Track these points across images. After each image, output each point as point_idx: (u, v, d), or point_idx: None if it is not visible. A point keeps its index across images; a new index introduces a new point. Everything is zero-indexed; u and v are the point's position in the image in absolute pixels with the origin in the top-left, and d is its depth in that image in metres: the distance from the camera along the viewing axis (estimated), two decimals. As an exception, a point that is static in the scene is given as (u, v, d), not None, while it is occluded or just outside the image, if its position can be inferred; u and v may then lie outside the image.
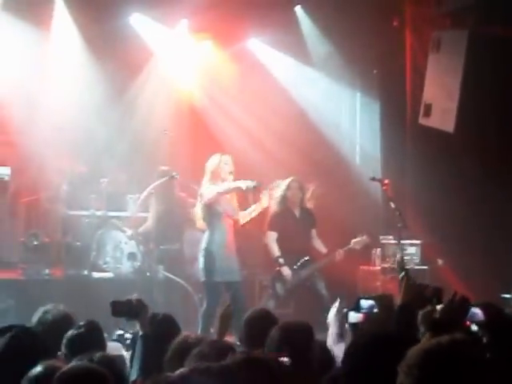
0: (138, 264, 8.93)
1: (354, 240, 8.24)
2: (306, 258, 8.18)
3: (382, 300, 3.80)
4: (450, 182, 9.15)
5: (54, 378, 2.66)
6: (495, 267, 8.37)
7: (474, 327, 3.56)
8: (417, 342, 2.73)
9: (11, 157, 9.89)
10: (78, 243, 9.18)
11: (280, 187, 8.23)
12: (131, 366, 3.59)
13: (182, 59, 10.65)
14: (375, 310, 3.76)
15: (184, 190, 9.32)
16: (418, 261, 9.03)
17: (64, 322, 3.99)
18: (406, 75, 10.22)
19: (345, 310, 3.97)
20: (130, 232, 8.97)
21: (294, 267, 8.12)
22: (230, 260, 7.46)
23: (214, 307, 7.17)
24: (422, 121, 9.79)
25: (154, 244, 9.07)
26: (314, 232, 8.35)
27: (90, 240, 9.04)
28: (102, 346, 3.69)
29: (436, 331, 3.10)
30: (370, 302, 3.80)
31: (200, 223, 7.64)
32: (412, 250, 9.07)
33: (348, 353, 2.66)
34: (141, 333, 3.70)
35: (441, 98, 9.61)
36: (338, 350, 3.78)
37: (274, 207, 8.19)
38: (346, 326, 3.97)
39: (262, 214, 7.90)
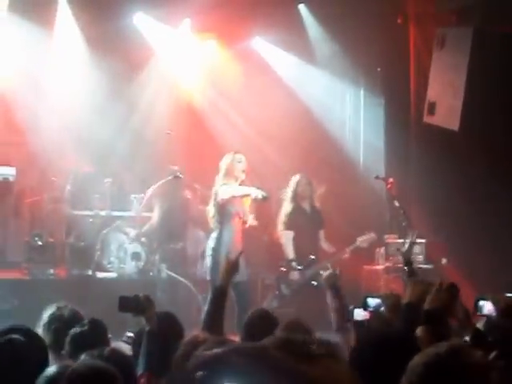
0: (142, 264, 8.93)
1: (360, 238, 8.24)
2: (312, 257, 8.18)
3: (389, 299, 3.79)
4: (454, 181, 9.12)
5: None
6: (500, 266, 8.35)
7: (479, 325, 3.55)
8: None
9: (16, 157, 9.91)
10: (82, 243, 9.17)
11: (290, 185, 8.31)
12: (137, 363, 3.59)
13: (185, 59, 10.65)
14: (382, 309, 3.76)
15: (189, 189, 9.33)
16: (422, 260, 9.00)
17: (77, 319, 3.99)
18: (410, 73, 10.19)
19: (351, 307, 3.98)
20: (133, 233, 8.97)
21: (299, 267, 8.13)
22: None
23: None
24: (427, 119, 9.76)
25: (158, 243, 9.08)
26: (322, 233, 8.42)
27: (94, 240, 9.04)
28: (105, 344, 3.69)
29: (429, 322, 3.09)
30: (377, 301, 3.80)
31: (212, 222, 7.67)
32: (416, 249, 9.04)
33: (354, 353, 2.65)
34: (147, 328, 3.70)
35: (445, 95, 9.57)
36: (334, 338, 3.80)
37: (286, 205, 8.27)
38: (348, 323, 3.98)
39: (264, 214, 7.93)
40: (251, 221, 7.67)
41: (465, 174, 9.12)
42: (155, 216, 9.27)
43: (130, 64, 10.00)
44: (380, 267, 9.16)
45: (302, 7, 10.40)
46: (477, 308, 3.71)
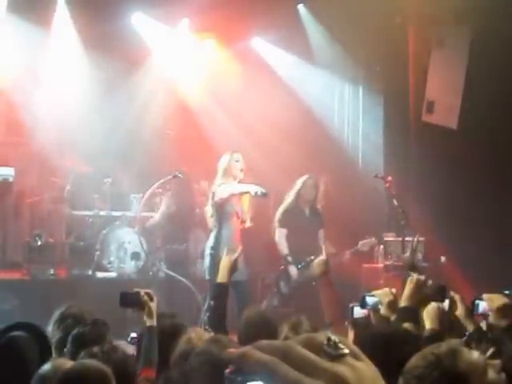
0: (142, 264, 8.95)
1: (361, 242, 8.25)
2: (312, 258, 8.18)
3: (385, 296, 3.81)
4: (453, 179, 9.13)
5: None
6: (498, 264, 8.36)
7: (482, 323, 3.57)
8: (419, 340, 2.73)
9: (15, 157, 9.92)
10: (82, 243, 9.19)
11: (296, 184, 8.29)
12: (138, 360, 3.60)
13: (184, 58, 10.65)
14: (380, 307, 3.78)
15: (194, 190, 9.34)
16: (420, 258, 9.01)
17: (86, 318, 4.01)
18: (409, 72, 10.19)
19: (350, 305, 4.00)
20: (138, 227, 9.01)
21: (299, 266, 8.12)
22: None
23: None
24: (426, 117, 9.77)
25: (162, 242, 9.09)
26: (321, 232, 8.40)
27: (94, 240, 9.06)
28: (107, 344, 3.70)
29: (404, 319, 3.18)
30: (375, 299, 3.83)
31: (210, 222, 7.67)
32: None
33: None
34: (148, 324, 3.71)
35: (444, 94, 9.60)
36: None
37: (284, 203, 8.24)
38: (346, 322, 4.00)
39: (264, 213, 7.92)
40: (249, 223, 7.67)
41: (463, 172, 9.13)
42: (161, 213, 9.26)
43: (128, 64, 10.01)
44: (379, 265, 9.18)
45: (301, 7, 10.41)
46: (473, 307, 3.76)
